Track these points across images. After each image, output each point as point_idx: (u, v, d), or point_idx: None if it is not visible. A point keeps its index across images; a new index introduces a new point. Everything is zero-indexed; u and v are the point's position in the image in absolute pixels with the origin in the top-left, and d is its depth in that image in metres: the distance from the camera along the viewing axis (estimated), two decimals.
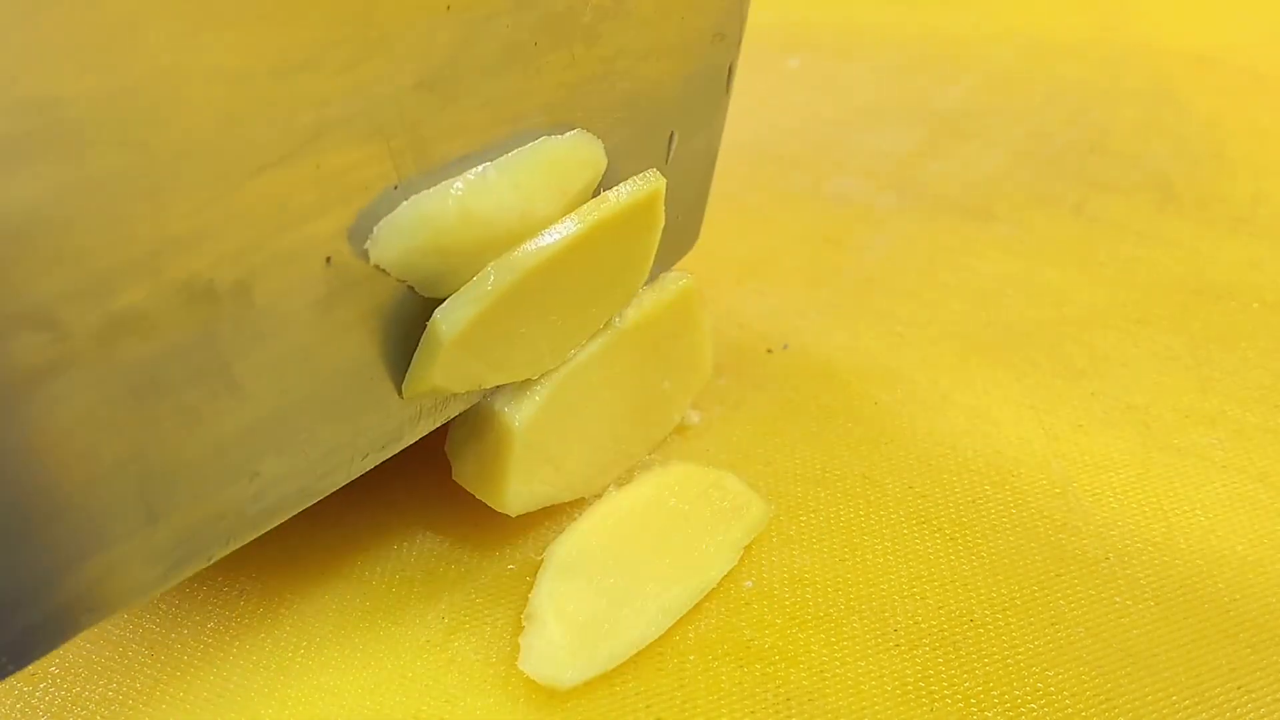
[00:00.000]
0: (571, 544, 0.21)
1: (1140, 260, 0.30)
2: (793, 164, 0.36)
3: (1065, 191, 0.34)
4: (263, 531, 0.17)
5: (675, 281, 0.22)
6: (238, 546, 0.16)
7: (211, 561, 0.16)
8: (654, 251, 0.20)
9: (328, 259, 0.15)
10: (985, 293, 0.29)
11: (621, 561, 0.20)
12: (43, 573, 0.14)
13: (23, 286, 0.12)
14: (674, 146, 0.22)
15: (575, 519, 0.21)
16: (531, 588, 0.20)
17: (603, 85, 0.19)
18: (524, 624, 0.19)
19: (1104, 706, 0.18)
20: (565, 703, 0.18)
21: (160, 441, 0.14)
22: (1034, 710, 0.18)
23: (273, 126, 0.14)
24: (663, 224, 0.20)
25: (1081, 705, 0.18)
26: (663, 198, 0.19)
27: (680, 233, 0.24)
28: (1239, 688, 0.18)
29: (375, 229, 0.16)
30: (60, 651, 0.19)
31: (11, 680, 0.19)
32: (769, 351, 0.27)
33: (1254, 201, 0.33)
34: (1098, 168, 0.35)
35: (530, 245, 0.17)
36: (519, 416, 0.19)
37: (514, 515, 0.20)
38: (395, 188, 0.16)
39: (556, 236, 0.17)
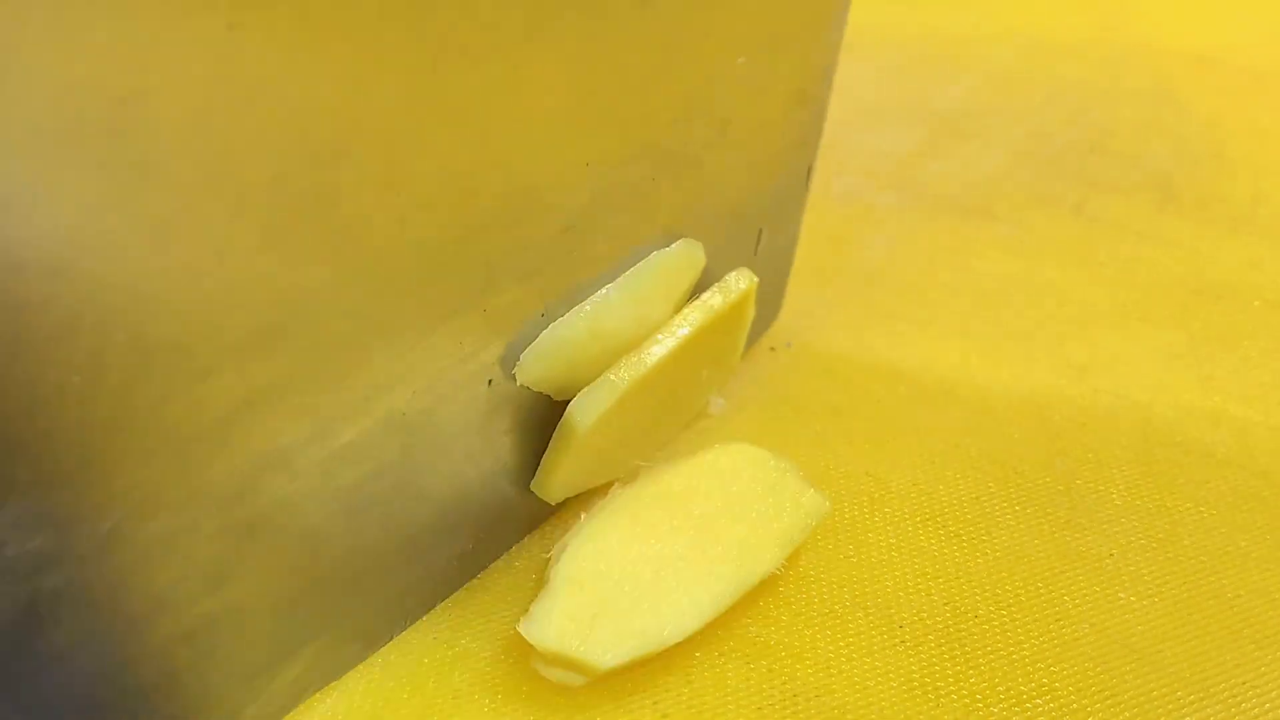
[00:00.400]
0: (605, 517, 0.20)
1: (1141, 259, 0.30)
2: None
3: (1066, 191, 0.34)
4: (433, 606, 0.20)
5: (739, 282, 0.22)
6: (415, 622, 0.20)
7: (401, 631, 0.19)
8: (745, 337, 0.23)
9: (489, 381, 0.18)
10: (986, 291, 0.29)
11: (654, 543, 0.19)
12: (268, 656, 0.17)
13: (270, 437, 0.14)
14: (762, 242, 0.24)
15: (593, 504, 0.21)
16: (541, 585, 0.20)
17: (706, 200, 0.21)
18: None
19: (1108, 702, 0.18)
20: (572, 700, 0.18)
21: (364, 548, 0.17)
22: (1038, 705, 0.18)
23: (458, 282, 0.16)
24: (753, 315, 0.22)
25: (1086, 701, 0.18)
26: (754, 294, 0.22)
27: (766, 309, 0.27)
28: (1243, 683, 0.18)
29: (521, 356, 0.18)
30: None
31: None
32: (772, 349, 0.27)
33: (1254, 201, 0.33)
34: (1098, 167, 0.35)
35: (649, 348, 0.19)
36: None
37: (554, 503, 0.21)
38: (541, 315, 0.18)
39: (671, 339, 0.20)
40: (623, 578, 0.19)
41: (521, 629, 0.18)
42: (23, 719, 0.13)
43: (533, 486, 0.20)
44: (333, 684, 0.18)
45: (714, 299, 0.21)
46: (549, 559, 0.20)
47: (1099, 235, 0.31)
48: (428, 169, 0.14)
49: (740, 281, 0.21)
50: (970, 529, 0.21)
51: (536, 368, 0.18)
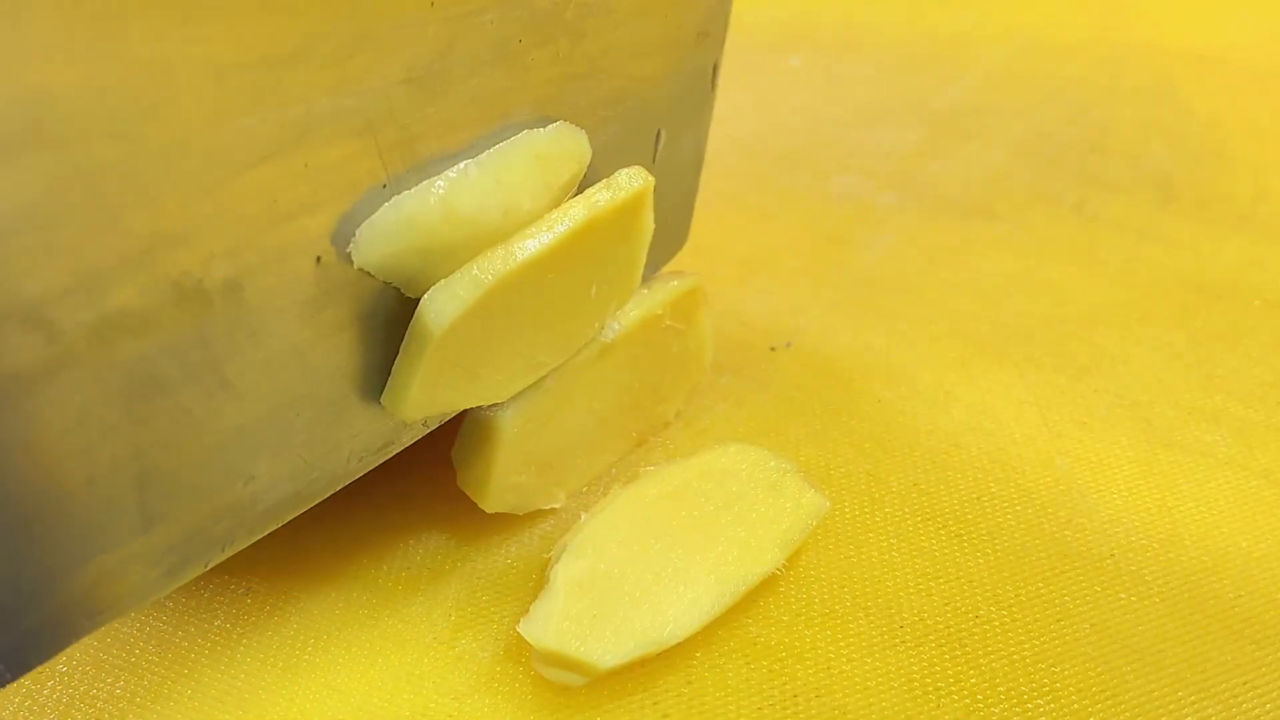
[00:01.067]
0: (605, 517, 0.20)
1: (1141, 258, 0.30)
2: (794, 162, 0.36)
3: (1066, 190, 0.34)
4: (260, 535, 0.17)
5: (678, 282, 0.22)
6: (236, 550, 0.16)
7: (209, 566, 0.16)
8: (644, 255, 0.20)
9: (318, 259, 0.15)
10: (987, 291, 0.29)
11: (655, 544, 0.19)
12: (40, 577, 0.14)
13: (13, 285, 0.12)
14: (660, 145, 0.22)
15: (593, 504, 0.21)
16: (541, 585, 0.20)
17: (589, 82, 0.19)
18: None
19: (1109, 702, 0.18)
20: (572, 699, 0.18)
21: (156, 442, 0.14)
22: (1039, 706, 0.18)
23: (262, 121, 0.14)
24: (652, 226, 0.20)
25: (1087, 701, 0.18)
26: (651, 196, 0.19)
27: (669, 233, 0.24)
28: (1244, 683, 0.18)
29: (357, 232, 0.16)
30: (68, 650, 0.19)
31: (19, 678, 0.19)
32: (772, 349, 0.27)
33: (1254, 200, 0.33)
34: (1098, 166, 0.35)
35: (520, 242, 0.17)
36: (508, 415, 0.19)
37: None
38: (384, 186, 0.16)
39: (545, 233, 0.17)
40: (623, 578, 0.19)
41: (521, 629, 0.18)
42: None
43: (383, 400, 0.17)
44: (334, 684, 0.18)
45: (600, 195, 0.18)
46: (549, 559, 0.20)
47: (1099, 234, 0.31)
48: None
49: (634, 180, 0.18)
50: (971, 529, 0.21)
51: (377, 247, 0.16)
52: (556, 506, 0.22)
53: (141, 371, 0.14)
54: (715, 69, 0.23)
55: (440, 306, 0.16)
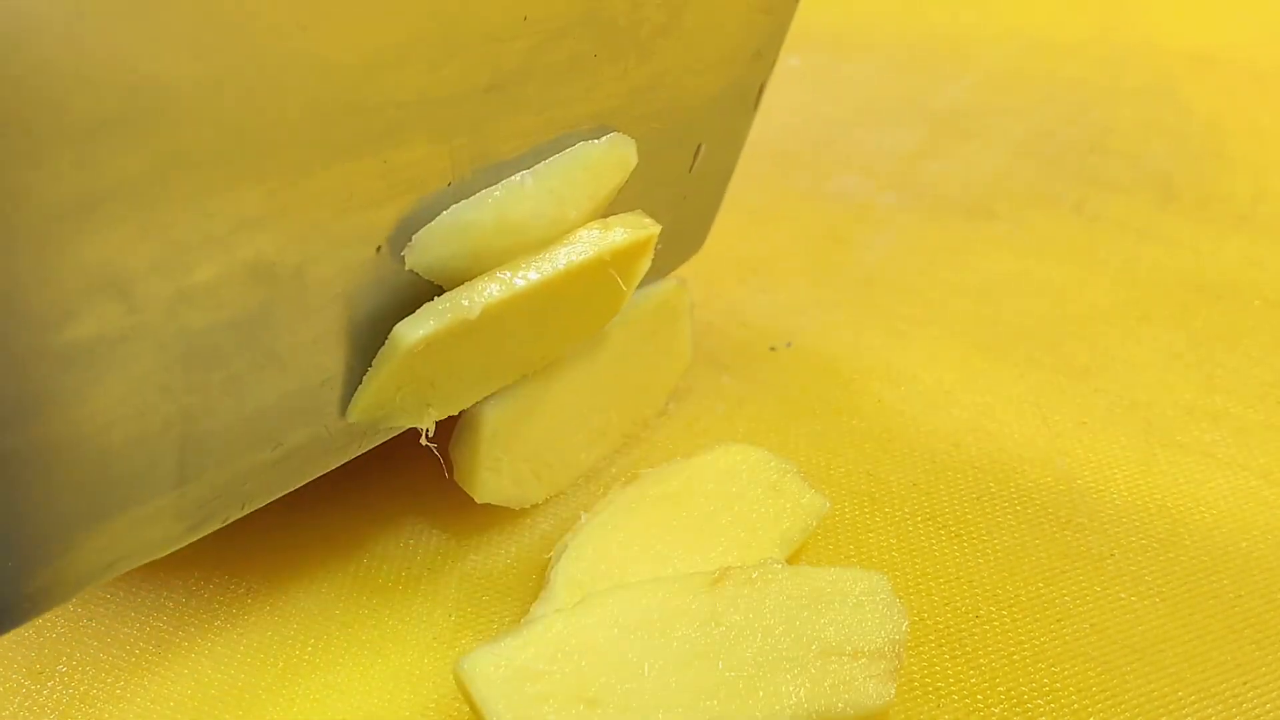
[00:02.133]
0: (605, 517, 0.20)
1: (1141, 258, 0.30)
2: (794, 162, 0.36)
3: (1066, 190, 0.34)
4: (278, 495, 0.17)
5: (661, 285, 0.22)
6: (254, 508, 0.17)
7: (227, 522, 0.17)
8: (634, 288, 0.20)
9: (377, 248, 0.16)
10: (987, 291, 0.29)
11: (655, 544, 0.19)
12: (80, 515, 0.14)
13: (107, 258, 0.13)
14: (699, 158, 0.22)
15: (593, 504, 0.21)
16: (541, 585, 0.20)
17: (648, 96, 0.19)
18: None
19: (1110, 703, 0.18)
20: None
21: (203, 408, 0.15)
22: (1040, 706, 0.18)
23: (356, 118, 0.14)
24: (643, 273, 0.20)
25: (1087, 701, 0.18)
26: (653, 244, 0.19)
27: (687, 239, 0.25)
28: (1244, 683, 0.18)
29: (414, 237, 0.16)
30: (67, 649, 0.19)
31: (19, 678, 0.19)
32: (772, 349, 0.27)
33: (1254, 200, 0.33)
34: (1098, 166, 0.35)
35: (520, 271, 0.17)
36: (490, 407, 0.19)
37: (480, 502, 0.20)
38: (449, 185, 0.16)
39: (548, 266, 0.17)
40: (623, 578, 0.19)
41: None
42: None
43: (351, 405, 0.17)
44: (334, 683, 0.18)
45: (615, 234, 0.18)
46: (549, 559, 0.20)
47: (1099, 234, 0.31)
48: None
49: (640, 228, 0.19)
50: (971, 529, 0.21)
51: (431, 250, 0.17)
52: (542, 500, 0.22)
53: (204, 343, 0.14)
54: (761, 89, 0.23)
55: (411, 329, 0.16)
